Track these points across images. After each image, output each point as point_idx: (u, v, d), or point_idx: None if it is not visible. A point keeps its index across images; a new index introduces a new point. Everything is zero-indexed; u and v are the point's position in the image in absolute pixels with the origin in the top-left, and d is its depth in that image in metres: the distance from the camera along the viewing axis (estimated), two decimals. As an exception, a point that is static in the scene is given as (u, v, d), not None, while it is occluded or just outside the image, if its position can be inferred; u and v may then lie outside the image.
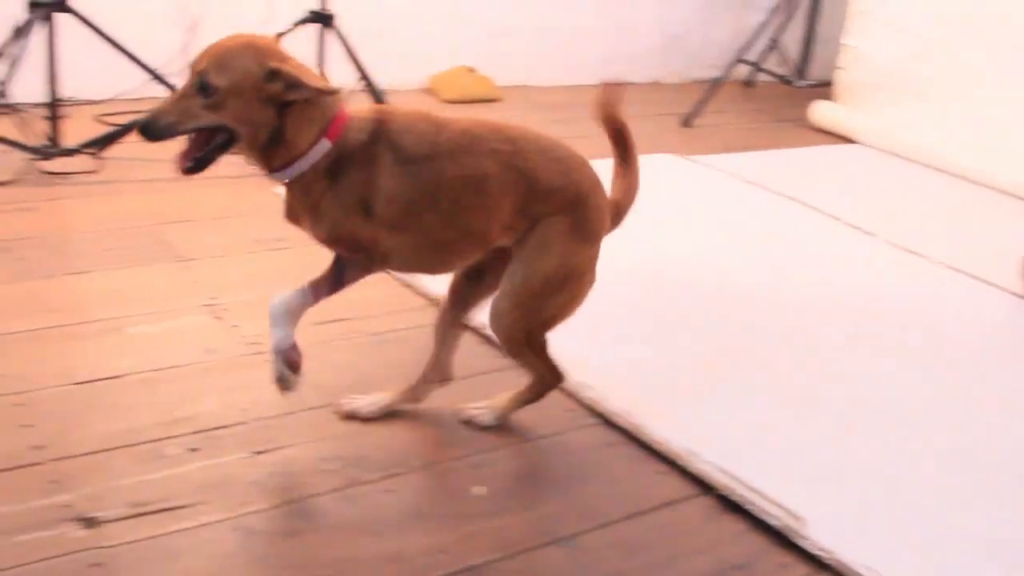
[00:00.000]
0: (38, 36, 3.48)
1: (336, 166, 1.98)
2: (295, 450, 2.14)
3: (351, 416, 2.26)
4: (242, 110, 1.90)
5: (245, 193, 3.42)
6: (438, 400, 2.32)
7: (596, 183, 2.20)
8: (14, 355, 2.38)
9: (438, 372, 2.31)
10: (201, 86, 1.88)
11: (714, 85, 5.19)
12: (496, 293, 2.16)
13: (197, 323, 2.62)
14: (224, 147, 1.95)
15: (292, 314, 2.06)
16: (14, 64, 3.46)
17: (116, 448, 2.09)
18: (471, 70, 5.21)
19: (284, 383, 2.09)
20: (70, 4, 3.49)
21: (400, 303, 2.82)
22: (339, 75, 3.78)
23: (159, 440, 2.13)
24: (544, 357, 2.22)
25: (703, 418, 2.42)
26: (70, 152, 3.51)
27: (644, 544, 2.00)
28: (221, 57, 1.89)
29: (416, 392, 2.31)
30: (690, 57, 6.07)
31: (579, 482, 2.16)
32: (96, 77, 3.83)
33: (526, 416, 2.32)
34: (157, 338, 2.51)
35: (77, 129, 3.65)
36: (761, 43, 5.46)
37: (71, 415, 2.17)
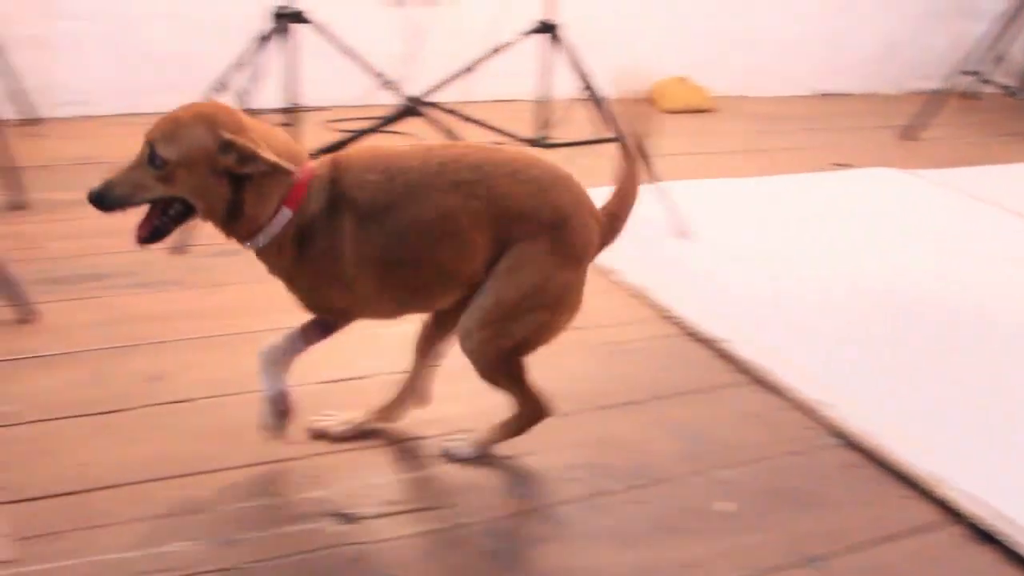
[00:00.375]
0: (275, 45, 3.63)
1: (301, 234, 1.89)
2: (540, 457, 2.16)
3: (320, 435, 2.18)
4: (194, 183, 1.82)
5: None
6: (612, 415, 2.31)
7: (579, 202, 2.01)
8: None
9: (415, 393, 2.23)
10: (151, 157, 1.81)
11: (936, 96, 5.02)
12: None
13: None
14: (180, 218, 1.87)
15: (282, 363, 2.03)
16: (255, 73, 3.60)
17: (369, 447, 2.15)
18: (685, 80, 5.19)
19: (270, 430, 2.06)
20: (307, 15, 3.63)
21: (632, 314, 2.82)
22: (563, 84, 3.81)
23: (409, 440, 2.18)
24: (522, 386, 2.06)
25: (947, 441, 2.33)
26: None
27: (896, 571, 1.94)
28: (172, 128, 1.81)
29: (390, 412, 2.22)
30: (907, 67, 5.91)
31: (824, 503, 2.12)
32: (325, 84, 3.96)
33: (763, 433, 2.29)
34: (399, 340, 2.56)
35: (309, 135, 3.78)
36: (983, 53, 5.25)
37: (328, 411, 2.24)
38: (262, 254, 1.94)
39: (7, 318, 2.54)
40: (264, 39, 3.65)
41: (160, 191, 1.82)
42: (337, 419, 2.20)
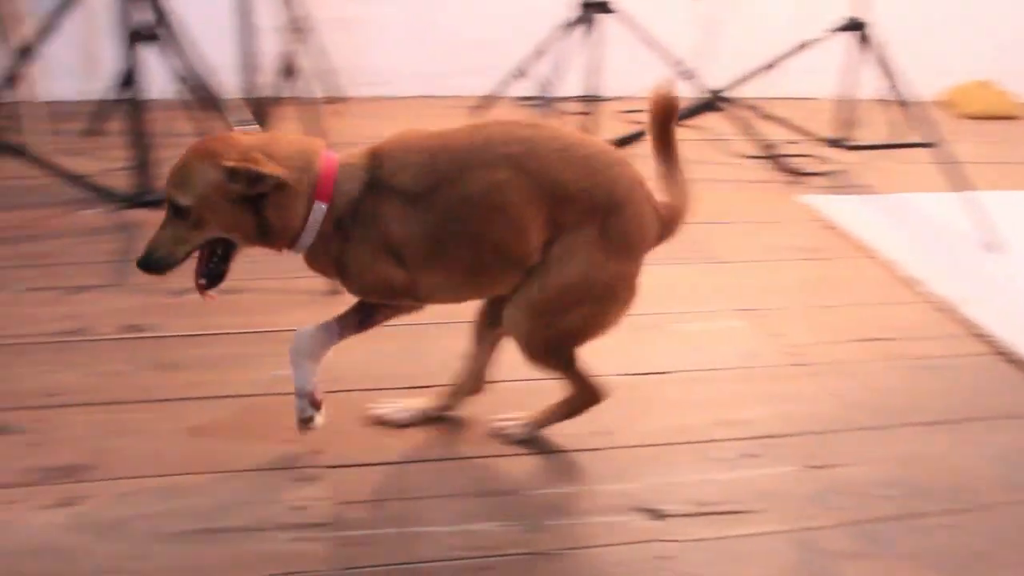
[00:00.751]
0: (578, 35, 3.67)
1: (341, 222, 1.87)
2: (851, 470, 2.10)
3: (380, 422, 2.15)
4: (221, 219, 1.82)
5: (777, 198, 3.42)
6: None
7: (634, 187, 1.93)
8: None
9: (473, 381, 2.18)
10: (175, 210, 1.82)
11: None
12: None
13: (734, 327, 2.64)
14: (227, 256, 1.88)
15: (315, 354, 1.97)
16: (557, 62, 3.65)
17: (674, 444, 2.14)
18: (988, 84, 4.94)
19: (306, 424, 2.00)
20: (613, 5, 3.65)
21: (939, 328, 2.70)
22: (868, 83, 3.69)
23: (713, 441, 2.16)
24: (573, 371, 2.02)
25: None
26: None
27: None
28: (181, 175, 1.81)
29: (450, 400, 2.19)
30: None
31: None
32: (617, 74, 3.96)
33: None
34: (697, 338, 2.55)
35: (600, 124, 3.79)
36: None
37: (629, 406, 2.25)
38: (310, 255, 1.92)
39: (321, 290, 2.66)
40: (567, 28, 3.70)
41: (197, 239, 1.83)
42: (396, 406, 2.17)
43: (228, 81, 3.00)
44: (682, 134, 2.05)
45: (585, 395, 2.06)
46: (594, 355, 2.02)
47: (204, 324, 2.48)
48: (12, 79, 3.11)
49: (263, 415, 2.15)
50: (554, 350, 1.98)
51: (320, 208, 1.85)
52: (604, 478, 2.03)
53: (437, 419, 2.18)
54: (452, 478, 1.99)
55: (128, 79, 3.00)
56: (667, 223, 2.01)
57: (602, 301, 1.94)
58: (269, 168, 1.78)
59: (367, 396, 2.22)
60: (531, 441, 2.11)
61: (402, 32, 4.61)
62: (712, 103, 3.86)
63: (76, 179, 3.12)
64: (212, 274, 1.87)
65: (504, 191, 1.84)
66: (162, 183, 3.07)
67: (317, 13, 4.08)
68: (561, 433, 2.12)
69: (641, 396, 2.30)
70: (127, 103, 3.01)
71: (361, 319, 2.00)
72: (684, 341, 2.56)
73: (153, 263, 1.83)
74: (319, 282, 2.50)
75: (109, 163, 3.51)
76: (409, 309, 2.05)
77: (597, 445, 2.12)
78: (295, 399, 1.98)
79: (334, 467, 2.00)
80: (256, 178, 1.77)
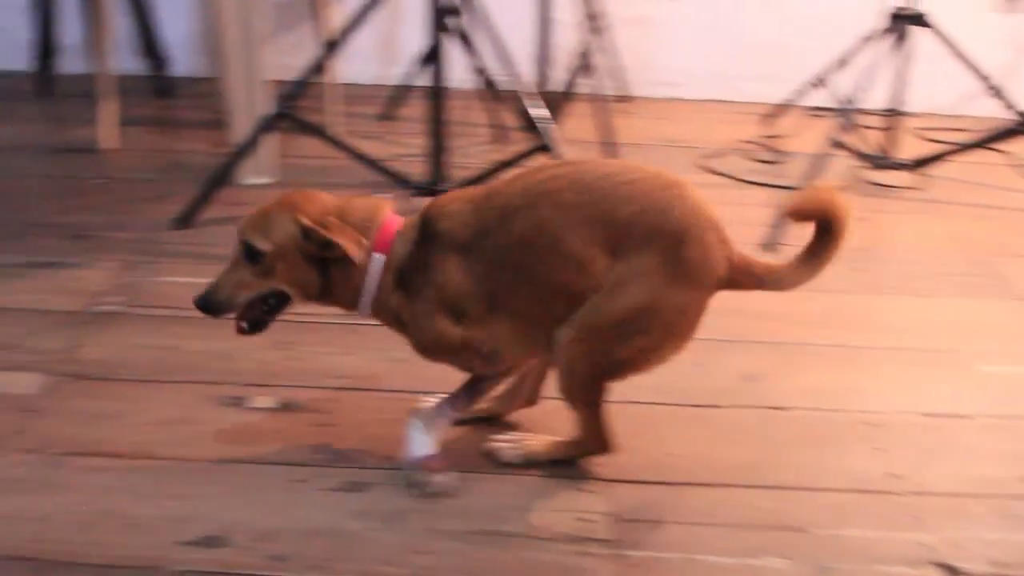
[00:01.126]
0: (884, 46, 3.50)
1: (400, 278, 1.86)
2: None
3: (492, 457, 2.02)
4: (289, 272, 1.84)
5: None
6: None
7: (694, 212, 1.78)
8: (863, 370, 2.39)
9: (524, 393, 2.11)
10: (248, 254, 1.84)
11: None
12: None
13: (1044, 374, 2.45)
14: (277, 308, 1.89)
15: (431, 428, 1.93)
16: (860, 73, 3.50)
17: (973, 495, 2.00)
18: None
19: (413, 489, 1.91)
20: (928, 19, 3.46)
21: None
22: None
23: (1016, 497, 2.00)
24: (595, 414, 1.91)
25: None
26: (901, 166, 3.49)
27: None
28: (262, 221, 1.84)
29: (498, 406, 2.12)
30: None
31: None
32: (919, 90, 3.77)
33: None
34: (1007, 381, 2.38)
35: (899, 141, 3.62)
36: None
37: (923, 448, 2.11)
38: (375, 310, 1.91)
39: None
40: (873, 39, 3.53)
41: (260, 286, 1.86)
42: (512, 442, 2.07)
43: (523, 73, 2.99)
44: (986, 158, 1.91)
45: (595, 442, 1.97)
46: (887, 389, 1.91)
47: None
48: (320, 67, 3.22)
49: (544, 419, 2.14)
50: (594, 380, 1.88)
51: (379, 261, 1.87)
52: (896, 524, 1.90)
53: (499, 424, 2.12)
54: (734, 506, 1.92)
55: (432, 60, 3.03)
56: (736, 266, 1.86)
57: (659, 334, 1.83)
58: (338, 237, 1.80)
59: (651, 410, 2.18)
60: (816, 476, 2.01)
61: (696, 33, 4.54)
62: (1021, 126, 3.61)
63: (372, 163, 3.20)
64: (256, 322, 1.92)
65: (551, 227, 1.79)
66: (455, 172, 3.14)
67: (613, 10, 4.06)
68: (847, 471, 2.02)
69: (936, 439, 2.16)
70: (428, 90, 3.06)
71: (470, 394, 1.98)
72: (986, 384, 2.39)
73: (212, 305, 1.87)
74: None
75: (402, 148, 3.60)
76: (504, 375, 2.01)
77: (888, 488, 2.00)
78: (407, 465, 1.94)
79: (613, 481, 1.96)
80: (325, 244, 1.81)
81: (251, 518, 1.81)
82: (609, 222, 1.78)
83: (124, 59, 4.22)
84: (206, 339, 2.40)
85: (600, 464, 1.99)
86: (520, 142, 3.50)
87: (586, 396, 1.90)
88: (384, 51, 4.57)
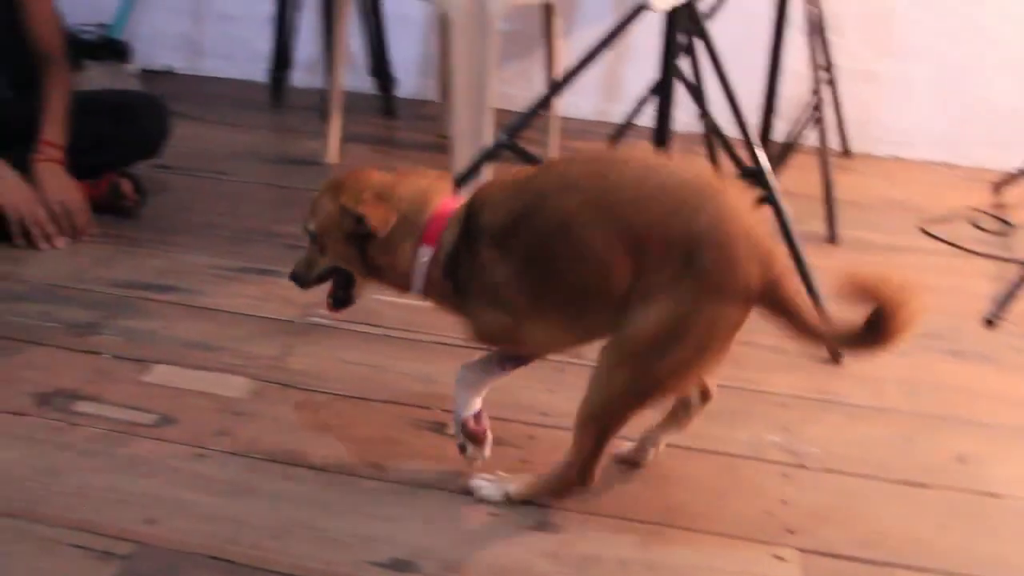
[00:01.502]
0: None
1: (448, 267, 1.85)
2: None
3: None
4: (336, 249, 1.91)
5: None
6: None
7: (725, 219, 1.67)
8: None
9: (677, 421, 2.05)
10: (309, 235, 1.94)
11: None
12: None
13: None
14: (346, 286, 1.96)
15: (475, 386, 1.94)
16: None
17: None
18: None
19: (465, 454, 1.98)
20: None
21: None
22: None
23: None
24: (603, 443, 1.85)
25: None
26: None
27: None
28: (313, 203, 1.92)
29: (657, 432, 2.07)
30: None
31: None
32: None
33: None
34: None
35: None
36: None
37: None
38: (428, 297, 1.92)
39: (820, 356, 2.55)
40: None
41: (322, 264, 1.94)
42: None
43: (748, 120, 2.93)
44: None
45: (582, 474, 1.89)
46: None
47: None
48: (547, 102, 3.23)
49: (743, 477, 2.08)
50: (635, 403, 1.80)
51: (426, 252, 1.87)
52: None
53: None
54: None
55: (660, 96, 2.96)
56: (776, 286, 1.73)
57: (693, 349, 1.72)
58: (368, 212, 1.83)
59: (856, 482, 2.09)
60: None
61: (928, 92, 4.37)
62: None
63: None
64: (338, 299, 1.98)
65: (572, 224, 1.73)
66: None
67: (843, 63, 3.95)
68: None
69: None
70: (651, 130, 3.02)
71: (517, 357, 1.98)
72: None
73: (293, 277, 1.98)
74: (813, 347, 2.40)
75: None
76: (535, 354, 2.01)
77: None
78: (456, 428, 1.98)
79: (807, 551, 1.88)
80: (357, 219, 1.84)
81: (443, 546, 1.81)
82: (632, 230, 1.71)
83: (354, 76, 4.35)
84: (413, 360, 2.44)
85: (794, 532, 1.92)
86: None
87: (613, 421, 1.84)
88: (607, 88, 4.56)
